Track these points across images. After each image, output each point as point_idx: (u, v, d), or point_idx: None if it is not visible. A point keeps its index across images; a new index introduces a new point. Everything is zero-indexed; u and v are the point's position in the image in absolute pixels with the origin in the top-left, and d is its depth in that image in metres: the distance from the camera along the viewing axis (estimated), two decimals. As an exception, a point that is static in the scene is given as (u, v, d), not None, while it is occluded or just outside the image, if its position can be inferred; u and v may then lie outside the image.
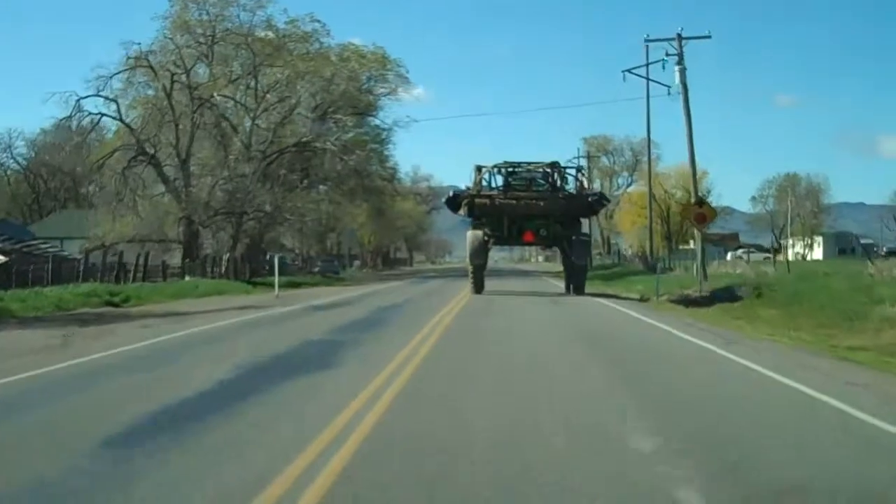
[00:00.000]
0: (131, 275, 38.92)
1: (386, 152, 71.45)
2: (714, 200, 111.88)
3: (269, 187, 51.91)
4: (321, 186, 62.99)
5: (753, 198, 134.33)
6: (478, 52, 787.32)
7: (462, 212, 35.27)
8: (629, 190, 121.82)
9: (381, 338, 15.84)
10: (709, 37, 35.67)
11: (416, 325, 18.22)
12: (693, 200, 34.08)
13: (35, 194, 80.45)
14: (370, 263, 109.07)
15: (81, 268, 34.67)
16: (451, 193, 36.68)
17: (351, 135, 68.49)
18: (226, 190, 49.52)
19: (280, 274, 36.51)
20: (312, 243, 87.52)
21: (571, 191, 36.04)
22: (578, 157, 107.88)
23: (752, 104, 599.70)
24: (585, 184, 39.09)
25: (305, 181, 56.68)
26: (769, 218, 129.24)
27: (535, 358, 12.98)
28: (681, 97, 34.79)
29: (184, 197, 46.89)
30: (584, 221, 47.78)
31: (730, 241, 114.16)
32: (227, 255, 50.70)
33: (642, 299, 32.42)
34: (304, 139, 51.40)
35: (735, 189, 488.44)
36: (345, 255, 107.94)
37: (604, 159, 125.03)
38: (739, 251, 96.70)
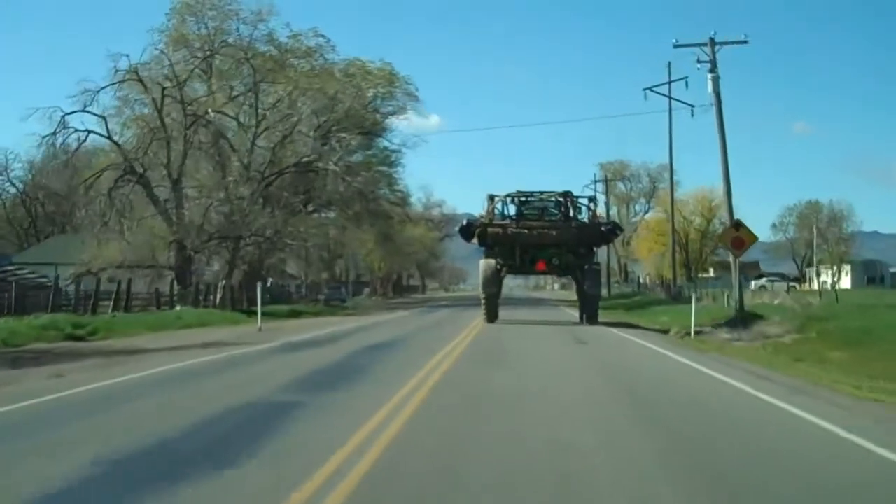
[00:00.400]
0: (111, 304, 35.70)
1: (395, 175, 68.57)
2: None
3: (270, 210, 48.80)
4: (326, 210, 59.84)
5: (774, 225, 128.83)
6: (491, 77, 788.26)
7: (475, 240, 35.54)
8: (646, 217, 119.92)
9: (343, 400, 11.43)
10: (746, 42, 32.30)
11: (401, 376, 14.09)
12: (730, 223, 30.61)
13: (31, 218, 77.61)
14: (380, 291, 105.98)
15: (51, 296, 31.43)
16: (464, 222, 37.17)
17: (358, 156, 65.96)
18: (222, 213, 46.42)
19: (279, 303, 33.26)
20: (319, 270, 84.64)
21: (584, 220, 36.02)
22: (595, 182, 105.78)
23: (764, 130, 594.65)
24: (598, 213, 39.21)
25: (309, 205, 53.51)
26: (789, 246, 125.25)
27: (564, 462, 7.64)
28: (713, 109, 31.50)
29: (175, 220, 43.79)
30: (601, 250, 45.32)
31: (750, 270, 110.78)
32: (223, 282, 47.58)
33: (668, 333, 29.12)
34: (306, 159, 48.26)
35: (750, 216, 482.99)
36: (352, 283, 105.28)
37: (620, 185, 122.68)
38: (762, 280, 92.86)
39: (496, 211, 35.77)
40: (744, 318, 28.47)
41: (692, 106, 46.16)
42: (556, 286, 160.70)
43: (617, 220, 66.78)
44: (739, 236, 28.29)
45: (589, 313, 34.29)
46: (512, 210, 35.88)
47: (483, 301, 34.47)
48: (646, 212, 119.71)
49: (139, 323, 29.63)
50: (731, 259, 30.86)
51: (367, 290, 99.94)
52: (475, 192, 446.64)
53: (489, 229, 34.25)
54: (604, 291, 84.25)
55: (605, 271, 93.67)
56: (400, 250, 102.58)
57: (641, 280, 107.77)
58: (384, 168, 67.81)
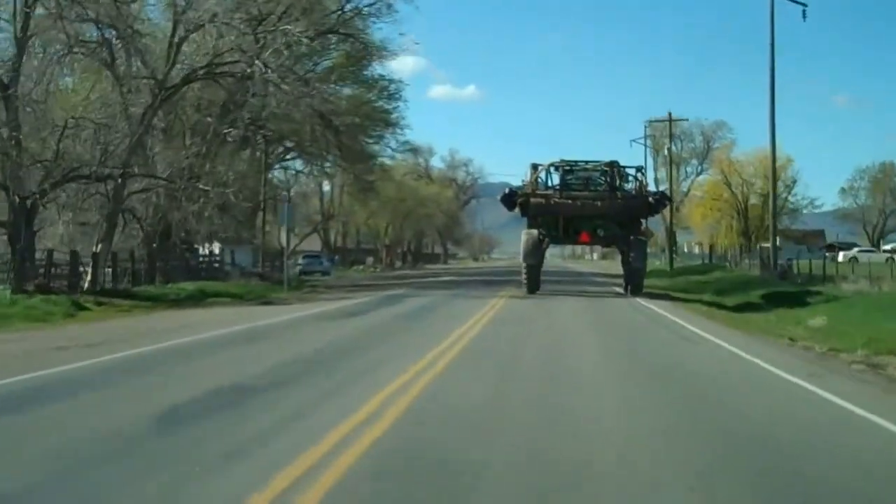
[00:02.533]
0: None
1: (394, 112, 52.13)
2: (800, 192, 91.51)
3: (179, 141, 32.19)
4: (277, 144, 43.06)
5: (843, 189, 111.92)
6: (529, 51, 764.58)
7: (517, 210, 35.25)
8: (700, 179, 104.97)
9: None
10: None
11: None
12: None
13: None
14: (386, 260, 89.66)
15: None
16: (506, 190, 36.24)
17: (347, 90, 49.02)
18: (97, 141, 29.76)
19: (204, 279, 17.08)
20: (302, 234, 68.75)
21: (631, 190, 35.24)
22: (645, 137, 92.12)
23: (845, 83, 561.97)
24: (645, 183, 37.16)
25: (231, 131, 35.76)
26: (860, 213, 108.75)
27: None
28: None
29: (8, 146, 27.17)
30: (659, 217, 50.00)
31: (812, 239, 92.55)
32: (98, 247, 31.03)
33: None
34: (224, 58, 31.27)
35: (817, 179, 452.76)
36: (353, 251, 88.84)
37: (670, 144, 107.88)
38: (854, 250, 75.42)
39: (539, 180, 35.14)
40: None
41: (804, 6, 39.49)
42: (595, 255, 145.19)
43: (665, 188, 67.40)
44: None
45: (633, 284, 33.36)
46: (556, 179, 35.31)
47: (524, 272, 33.86)
48: (698, 174, 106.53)
49: None
50: None
51: (370, 260, 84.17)
52: (515, 160, 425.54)
53: (532, 199, 34.08)
54: (664, 264, 67.84)
55: (664, 242, 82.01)
56: (411, 212, 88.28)
57: (686, 249, 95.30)
58: (382, 104, 51.07)
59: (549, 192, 34.54)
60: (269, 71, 30.95)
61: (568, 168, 35.25)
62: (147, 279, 33.64)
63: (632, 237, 34.10)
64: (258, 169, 42.39)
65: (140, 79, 31.52)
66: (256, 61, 30.04)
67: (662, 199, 37.15)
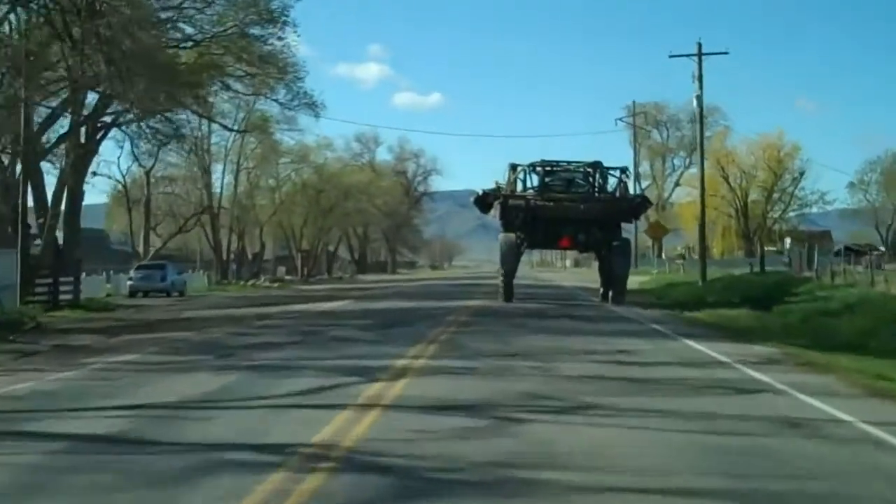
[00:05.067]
0: None
1: (262, 36, 36.85)
2: (809, 185, 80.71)
3: None
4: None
5: (851, 184, 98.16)
6: (495, 55, 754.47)
7: (493, 213, 34.04)
8: (690, 173, 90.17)
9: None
10: None
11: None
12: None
13: None
14: (302, 271, 71.01)
15: None
16: (480, 192, 34.97)
17: None
18: None
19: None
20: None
21: (614, 193, 34.28)
22: (624, 118, 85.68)
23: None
24: (629, 186, 35.92)
25: None
26: (873, 211, 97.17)
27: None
28: None
29: None
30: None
31: (820, 241, 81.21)
32: None
33: None
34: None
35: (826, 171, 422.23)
36: (259, 259, 69.98)
37: (654, 134, 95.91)
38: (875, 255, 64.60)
39: (518, 182, 34.61)
40: None
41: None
42: (568, 262, 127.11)
43: (649, 185, 72.69)
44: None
45: (615, 291, 31.98)
46: (535, 181, 34.69)
47: (501, 278, 32.56)
48: (686, 167, 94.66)
49: None
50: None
51: (281, 270, 68.23)
52: (490, 164, 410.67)
53: (510, 201, 32.83)
54: (684, 274, 57.80)
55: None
56: (335, 206, 71.06)
57: (665, 255, 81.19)
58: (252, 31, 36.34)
59: (529, 193, 33.89)
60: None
61: (548, 169, 34.58)
62: None
63: (614, 242, 33.13)
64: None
65: None
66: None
67: (644, 202, 36.61)
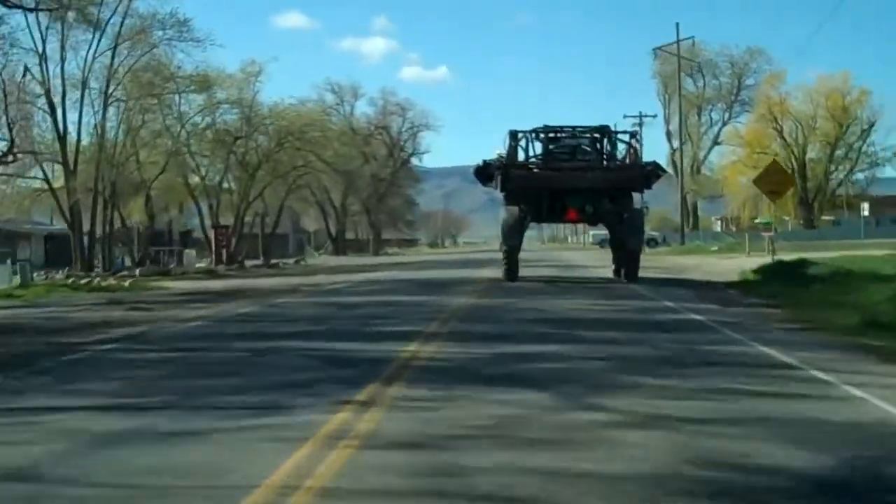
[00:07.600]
0: None
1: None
2: (880, 139, 68.63)
3: None
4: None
5: None
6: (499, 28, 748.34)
7: (494, 185, 32.17)
8: (737, 125, 76.86)
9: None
10: None
11: None
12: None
13: None
14: (217, 253, 51.38)
15: None
16: (481, 162, 32.83)
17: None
18: None
19: None
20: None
21: (624, 160, 32.01)
22: (676, 45, 69.60)
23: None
24: (640, 151, 33.23)
25: None
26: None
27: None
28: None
29: None
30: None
31: (885, 209, 63.15)
32: None
33: None
34: None
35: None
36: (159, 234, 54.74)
37: (689, 83, 79.98)
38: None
39: (520, 150, 32.10)
40: None
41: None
42: (590, 238, 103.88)
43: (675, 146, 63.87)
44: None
45: (628, 269, 29.97)
46: (539, 148, 32.46)
47: (504, 256, 30.40)
48: (725, 122, 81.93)
49: None
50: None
51: (190, 254, 50.13)
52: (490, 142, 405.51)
53: (512, 171, 30.78)
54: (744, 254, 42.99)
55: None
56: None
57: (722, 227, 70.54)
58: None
59: (532, 162, 32.14)
60: None
61: (552, 135, 32.52)
62: None
63: (625, 214, 30.78)
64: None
65: None
66: None
67: (656, 170, 32.68)
